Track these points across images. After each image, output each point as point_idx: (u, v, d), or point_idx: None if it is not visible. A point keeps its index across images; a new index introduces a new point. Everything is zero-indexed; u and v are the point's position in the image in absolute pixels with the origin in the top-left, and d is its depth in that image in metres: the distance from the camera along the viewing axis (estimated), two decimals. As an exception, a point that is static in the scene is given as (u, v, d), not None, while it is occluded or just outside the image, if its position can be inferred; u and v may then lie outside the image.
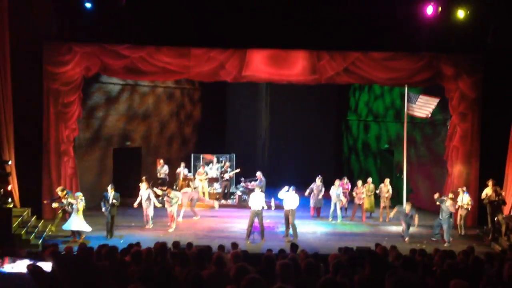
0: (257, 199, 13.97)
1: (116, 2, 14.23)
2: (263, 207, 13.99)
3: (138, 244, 9.40)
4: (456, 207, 14.83)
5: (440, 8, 14.28)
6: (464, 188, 15.19)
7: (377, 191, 17.10)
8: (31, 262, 2.86)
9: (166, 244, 7.23)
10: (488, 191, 14.78)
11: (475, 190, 15.76)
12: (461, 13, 14.50)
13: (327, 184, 17.19)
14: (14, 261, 3.44)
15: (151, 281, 4.68)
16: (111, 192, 13.88)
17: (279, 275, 4.73)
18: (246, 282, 4.00)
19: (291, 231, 14.26)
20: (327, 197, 17.21)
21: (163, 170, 18.78)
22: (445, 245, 13.72)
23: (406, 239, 14.22)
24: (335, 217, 16.97)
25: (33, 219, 14.48)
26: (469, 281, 5.21)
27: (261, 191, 14.72)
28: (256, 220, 13.98)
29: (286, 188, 14.27)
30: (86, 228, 13.58)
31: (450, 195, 14.56)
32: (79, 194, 13.84)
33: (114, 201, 13.81)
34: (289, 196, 14.20)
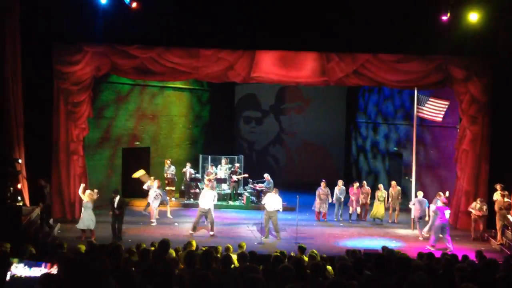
0: (206, 199, 14.63)
1: (127, 3, 14.29)
2: (209, 208, 14.63)
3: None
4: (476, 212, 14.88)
5: (449, 13, 14.22)
6: (481, 199, 15.11)
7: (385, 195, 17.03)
8: (44, 272, 2.88)
9: (169, 241, 7.25)
10: (497, 196, 14.67)
11: (484, 194, 15.64)
12: (472, 17, 14.40)
13: (332, 186, 17.22)
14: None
15: (155, 278, 4.71)
16: (116, 198, 13.87)
17: (279, 278, 4.71)
18: (247, 281, 4.00)
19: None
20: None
21: (170, 170, 18.88)
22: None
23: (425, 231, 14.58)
24: (339, 216, 17.18)
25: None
26: (479, 285, 5.18)
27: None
28: (204, 218, 14.79)
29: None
30: (92, 226, 13.67)
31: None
32: (89, 191, 13.97)
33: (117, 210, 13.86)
34: (271, 198, 14.44)
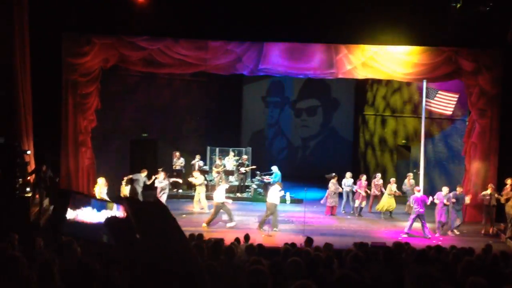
0: (217, 192, 15.06)
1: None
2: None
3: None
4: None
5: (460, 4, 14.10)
6: (491, 185, 14.98)
7: (403, 187, 16.93)
8: (109, 215, 2.58)
9: (203, 236, 7.24)
10: (506, 189, 14.58)
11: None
12: (483, 8, 14.28)
13: (340, 179, 17.11)
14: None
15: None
16: (126, 186, 14.02)
17: (288, 272, 4.70)
18: (249, 273, 3.98)
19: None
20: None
21: (179, 162, 18.95)
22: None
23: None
24: (347, 208, 17.11)
25: (51, 207, 14.68)
26: (488, 279, 5.14)
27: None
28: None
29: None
30: None
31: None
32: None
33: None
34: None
